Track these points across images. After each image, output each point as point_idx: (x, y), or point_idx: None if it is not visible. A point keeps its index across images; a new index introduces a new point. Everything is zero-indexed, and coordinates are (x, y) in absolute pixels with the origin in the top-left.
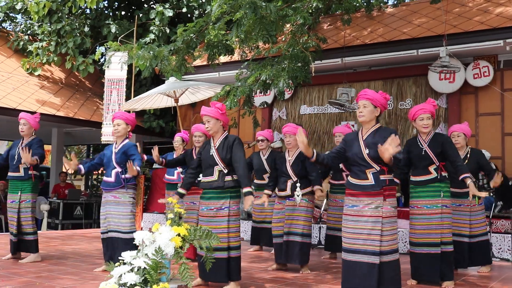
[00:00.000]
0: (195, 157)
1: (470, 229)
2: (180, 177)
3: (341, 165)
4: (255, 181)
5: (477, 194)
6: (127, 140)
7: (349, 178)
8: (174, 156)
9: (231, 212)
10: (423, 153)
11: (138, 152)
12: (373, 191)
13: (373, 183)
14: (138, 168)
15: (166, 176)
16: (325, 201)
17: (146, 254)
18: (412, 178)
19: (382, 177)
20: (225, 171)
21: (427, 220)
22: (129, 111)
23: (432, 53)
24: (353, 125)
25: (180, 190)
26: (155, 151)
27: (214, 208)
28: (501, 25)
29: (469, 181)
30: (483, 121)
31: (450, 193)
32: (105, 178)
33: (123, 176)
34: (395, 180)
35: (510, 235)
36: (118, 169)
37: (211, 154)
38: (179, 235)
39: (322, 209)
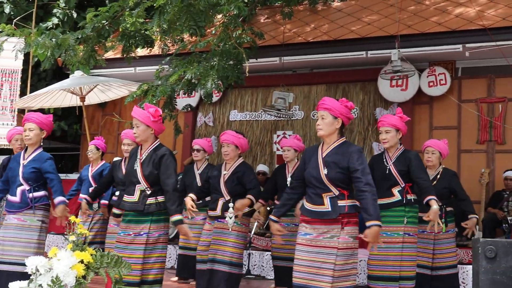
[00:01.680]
0: (123, 170)
1: (433, 260)
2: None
3: (289, 184)
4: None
5: (435, 221)
6: (40, 150)
7: (304, 202)
8: (90, 169)
9: (151, 239)
10: (387, 172)
11: (57, 176)
12: (329, 218)
13: (330, 209)
14: (61, 201)
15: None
16: (255, 223)
17: (40, 285)
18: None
19: (340, 202)
20: (148, 192)
21: (385, 249)
22: (24, 110)
23: (383, 55)
24: (289, 135)
25: (115, 210)
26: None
27: (132, 234)
28: (460, 28)
29: (434, 205)
30: (438, 135)
31: (417, 219)
32: (9, 197)
33: (30, 195)
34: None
35: (470, 266)
36: (26, 187)
37: (135, 168)
38: (82, 261)
39: (252, 232)
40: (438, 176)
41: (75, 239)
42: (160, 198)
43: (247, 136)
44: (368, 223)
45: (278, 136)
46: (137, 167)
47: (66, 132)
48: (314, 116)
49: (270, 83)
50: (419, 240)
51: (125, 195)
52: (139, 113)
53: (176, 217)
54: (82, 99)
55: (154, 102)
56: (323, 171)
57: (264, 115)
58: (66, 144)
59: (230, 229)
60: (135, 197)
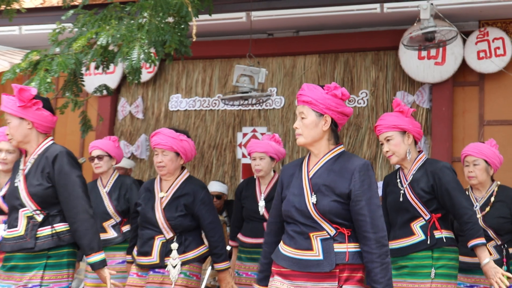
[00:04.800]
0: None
1: None
2: None
3: (261, 210)
4: None
5: (496, 282)
6: None
7: (281, 245)
8: None
9: None
10: (401, 198)
11: None
12: (320, 271)
13: (321, 257)
14: None
15: None
16: (209, 270)
17: None
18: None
19: (338, 247)
20: (39, 217)
21: None
22: None
23: (407, 10)
24: (262, 135)
25: None
26: None
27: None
28: None
29: (485, 258)
30: (491, 133)
31: (455, 269)
32: None
33: None
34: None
35: None
36: None
37: (15, 185)
38: None
39: (203, 285)
40: (492, 199)
41: None
42: (60, 227)
43: (197, 134)
44: None
45: (244, 135)
46: (19, 183)
47: None
48: None
49: (231, 53)
50: None
51: (8, 228)
52: (6, 101)
53: (95, 257)
54: None
55: (49, 80)
56: (310, 200)
57: (223, 102)
58: None
59: (173, 285)
60: (19, 229)
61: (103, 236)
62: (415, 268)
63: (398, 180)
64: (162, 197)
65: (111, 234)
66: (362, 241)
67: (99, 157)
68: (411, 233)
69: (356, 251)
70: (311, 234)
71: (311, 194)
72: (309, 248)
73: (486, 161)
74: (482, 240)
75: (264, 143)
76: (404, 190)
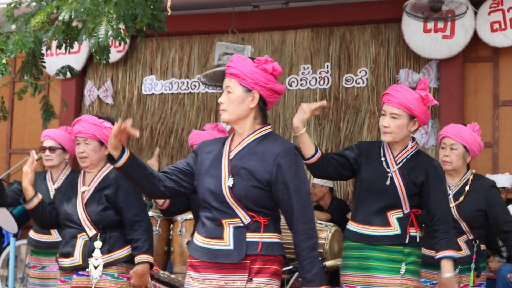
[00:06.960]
0: None
1: None
2: None
3: None
4: (33, 235)
5: None
6: None
7: (195, 234)
8: None
9: None
10: (387, 181)
11: None
12: (228, 262)
13: (231, 247)
14: None
15: None
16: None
17: None
18: (351, 226)
19: (251, 236)
20: None
21: None
22: None
23: None
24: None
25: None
26: None
27: None
28: None
29: (446, 273)
30: (507, 114)
31: (418, 264)
32: None
33: None
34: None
35: None
36: None
37: None
38: None
39: None
40: (467, 188)
41: None
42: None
43: (173, 122)
44: None
45: None
46: None
47: None
48: (292, 85)
49: (212, 28)
50: None
51: None
52: None
53: None
54: None
55: (5, 62)
56: (227, 182)
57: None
58: None
59: (93, 286)
60: None
61: (46, 238)
62: (384, 262)
63: (383, 158)
64: (84, 191)
65: (56, 237)
66: (291, 231)
67: (51, 149)
68: (387, 223)
69: (273, 242)
70: (223, 221)
71: (228, 177)
72: (220, 236)
73: (465, 147)
74: (455, 253)
75: (207, 134)
76: (392, 174)
